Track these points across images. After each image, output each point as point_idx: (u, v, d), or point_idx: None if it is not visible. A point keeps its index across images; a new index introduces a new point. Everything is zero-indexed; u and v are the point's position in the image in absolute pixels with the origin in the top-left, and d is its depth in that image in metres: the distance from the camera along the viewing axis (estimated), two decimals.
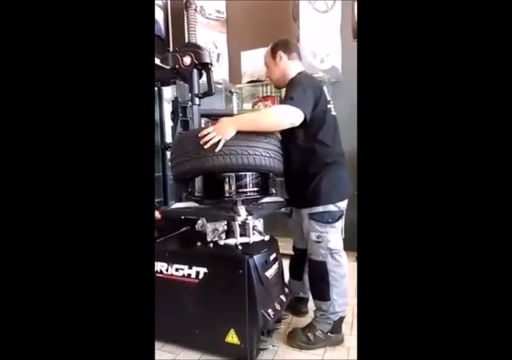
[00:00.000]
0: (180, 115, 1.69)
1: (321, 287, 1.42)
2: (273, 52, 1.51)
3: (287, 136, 1.40)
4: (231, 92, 1.77)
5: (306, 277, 1.54)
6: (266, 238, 1.36)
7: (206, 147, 1.20)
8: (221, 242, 1.31)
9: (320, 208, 1.37)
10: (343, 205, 1.41)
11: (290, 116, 1.26)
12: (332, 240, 1.38)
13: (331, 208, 1.37)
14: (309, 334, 1.43)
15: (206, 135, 1.21)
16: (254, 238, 1.33)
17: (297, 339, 1.44)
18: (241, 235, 1.32)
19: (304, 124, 1.30)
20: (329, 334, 1.44)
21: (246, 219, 1.22)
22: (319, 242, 1.39)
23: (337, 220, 1.39)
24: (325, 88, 1.45)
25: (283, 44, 1.51)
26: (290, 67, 1.48)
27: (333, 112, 1.45)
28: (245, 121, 1.28)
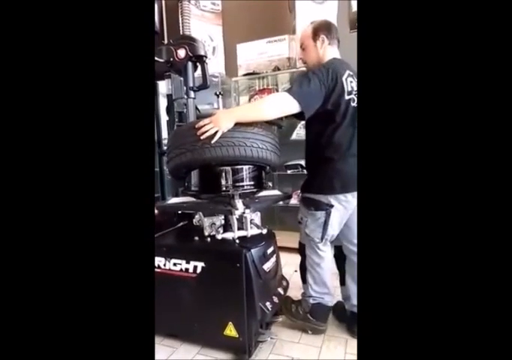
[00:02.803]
0: (176, 106, 1.67)
1: (301, 268, 1.56)
2: (315, 34, 1.41)
3: (307, 126, 1.45)
4: (217, 95, 1.69)
5: (349, 281, 1.50)
6: (264, 231, 1.35)
7: (202, 138, 1.20)
8: (219, 236, 1.31)
9: (310, 195, 1.41)
10: (334, 200, 1.35)
11: (284, 104, 1.24)
12: (309, 227, 1.42)
13: (319, 197, 1.38)
14: (293, 305, 1.55)
15: (202, 126, 1.20)
16: (252, 231, 1.33)
17: (287, 304, 1.56)
18: (238, 229, 1.32)
19: (302, 116, 1.28)
20: (308, 315, 1.49)
21: (243, 213, 1.21)
22: (300, 223, 1.48)
23: (318, 210, 1.37)
24: (345, 79, 1.32)
25: (326, 27, 1.43)
26: (328, 52, 1.41)
27: (355, 104, 1.34)
28: (242, 112, 1.29)
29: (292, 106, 1.24)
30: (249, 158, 1.24)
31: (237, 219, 1.30)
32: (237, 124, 1.23)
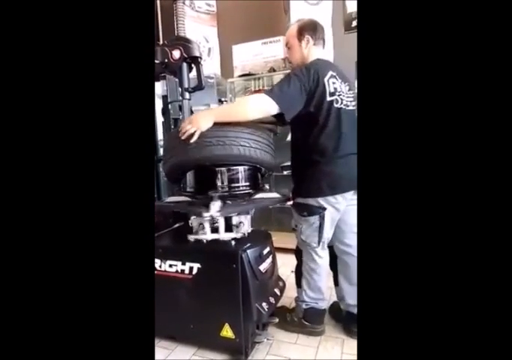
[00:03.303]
0: (171, 112, 1.67)
1: (296, 273, 1.53)
2: (300, 34, 1.40)
3: (292, 129, 1.45)
4: (221, 101, 1.72)
5: (342, 281, 1.50)
6: (238, 235, 1.32)
7: (182, 138, 1.21)
8: (191, 237, 1.31)
9: (300, 200, 1.40)
10: (324, 202, 1.34)
11: (261, 105, 1.24)
12: (304, 232, 1.40)
13: (309, 201, 1.36)
14: (287, 314, 1.55)
15: (184, 128, 1.22)
16: (226, 234, 1.31)
17: (281, 316, 1.53)
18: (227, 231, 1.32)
19: (282, 118, 1.28)
20: (303, 321, 1.49)
21: (214, 215, 1.22)
22: (295, 230, 1.47)
23: (312, 214, 1.36)
24: (327, 80, 1.31)
25: (312, 27, 1.41)
26: (313, 53, 1.41)
27: (339, 105, 1.33)
28: (221, 112, 1.32)
29: (270, 108, 1.24)
30: (241, 157, 1.24)
31: (211, 220, 1.30)
32: (229, 124, 1.24)
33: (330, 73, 1.33)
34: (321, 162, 1.34)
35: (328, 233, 1.40)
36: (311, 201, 1.36)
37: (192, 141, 1.20)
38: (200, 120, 1.22)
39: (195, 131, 1.20)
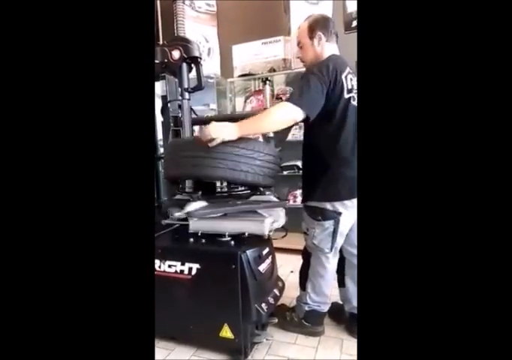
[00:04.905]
0: (171, 117, 1.67)
1: (302, 275, 1.52)
2: (311, 32, 1.34)
3: (305, 129, 1.42)
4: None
5: (349, 283, 1.49)
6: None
7: (203, 141, 1.19)
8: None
9: (314, 204, 1.36)
10: (341, 207, 1.31)
11: (288, 115, 1.20)
12: (317, 237, 1.36)
13: (325, 205, 1.33)
14: (287, 313, 1.54)
15: (205, 137, 1.19)
16: None
17: (280, 315, 1.53)
18: None
19: (307, 120, 1.24)
20: (303, 321, 1.48)
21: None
22: (306, 234, 1.43)
23: (327, 219, 1.33)
24: (345, 77, 1.27)
25: (323, 23, 1.35)
26: (326, 49, 1.35)
27: (356, 103, 1.29)
28: (247, 125, 1.23)
29: (296, 115, 1.20)
30: (241, 181, 1.28)
31: None
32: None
33: (348, 69, 1.30)
34: (339, 164, 1.29)
35: (342, 238, 1.38)
36: (327, 205, 1.32)
37: (211, 145, 1.17)
38: (222, 130, 1.17)
39: (215, 138, 1.16)
